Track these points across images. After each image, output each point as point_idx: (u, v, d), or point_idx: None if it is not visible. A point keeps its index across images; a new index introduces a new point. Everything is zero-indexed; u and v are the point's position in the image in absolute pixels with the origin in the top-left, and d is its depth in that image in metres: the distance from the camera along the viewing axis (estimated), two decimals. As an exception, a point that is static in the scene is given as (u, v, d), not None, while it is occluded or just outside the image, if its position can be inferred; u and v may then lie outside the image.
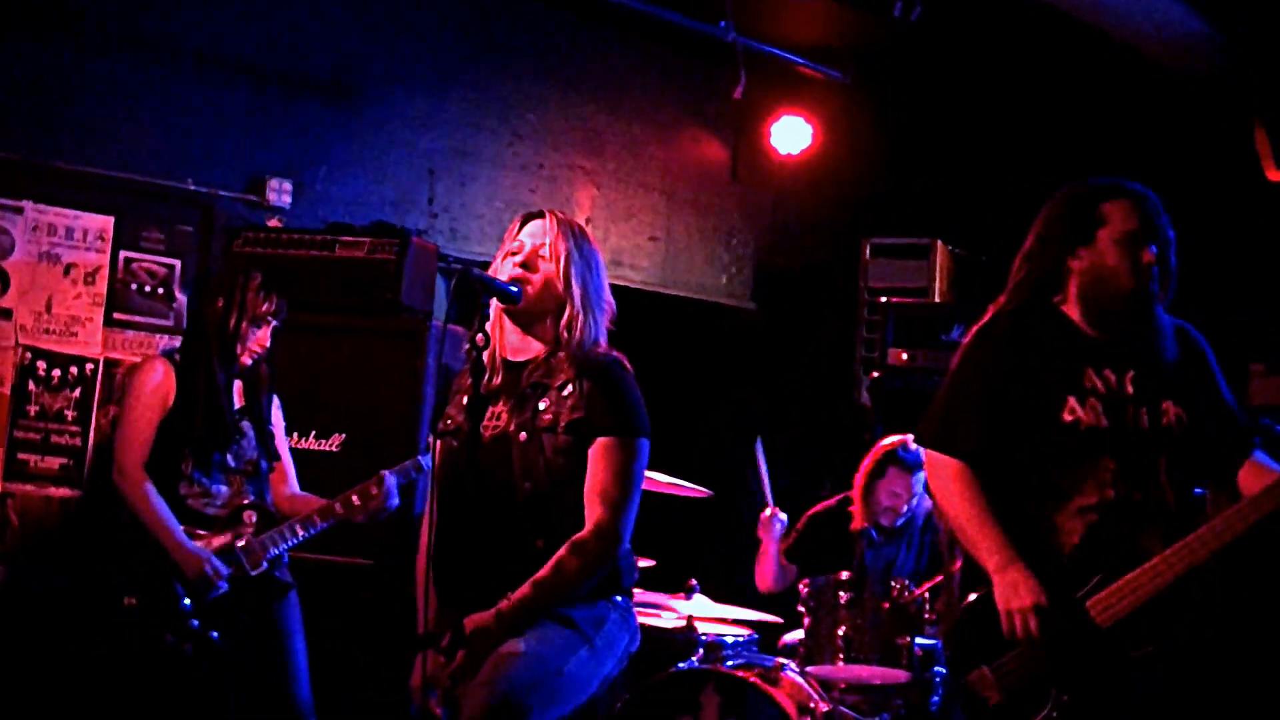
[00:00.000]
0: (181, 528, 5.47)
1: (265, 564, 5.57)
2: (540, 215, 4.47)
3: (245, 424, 5.70)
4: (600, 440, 4.29)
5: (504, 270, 4.38)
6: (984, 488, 4.33)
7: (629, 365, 4.43)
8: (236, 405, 5.71)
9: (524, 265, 4.35)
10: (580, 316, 4.36)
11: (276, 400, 5.91)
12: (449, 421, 4.47)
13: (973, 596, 4.38)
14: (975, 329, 4.51)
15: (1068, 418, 4.29)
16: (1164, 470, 4.33)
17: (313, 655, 5.79)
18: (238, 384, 5.74)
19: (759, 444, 7.14)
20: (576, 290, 4.36)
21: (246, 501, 5.63)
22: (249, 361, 5.67)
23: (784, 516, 6.98)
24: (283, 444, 5.93)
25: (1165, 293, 4.41)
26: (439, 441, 4.43)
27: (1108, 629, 4.16)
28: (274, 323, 5.69)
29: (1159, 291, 4.39)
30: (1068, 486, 4.30)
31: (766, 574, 7.06)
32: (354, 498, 5.56)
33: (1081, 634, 4.17)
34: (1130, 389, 4.33)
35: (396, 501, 5.60)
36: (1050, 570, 4.21)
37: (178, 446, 5.57)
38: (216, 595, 5.44)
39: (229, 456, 5.63)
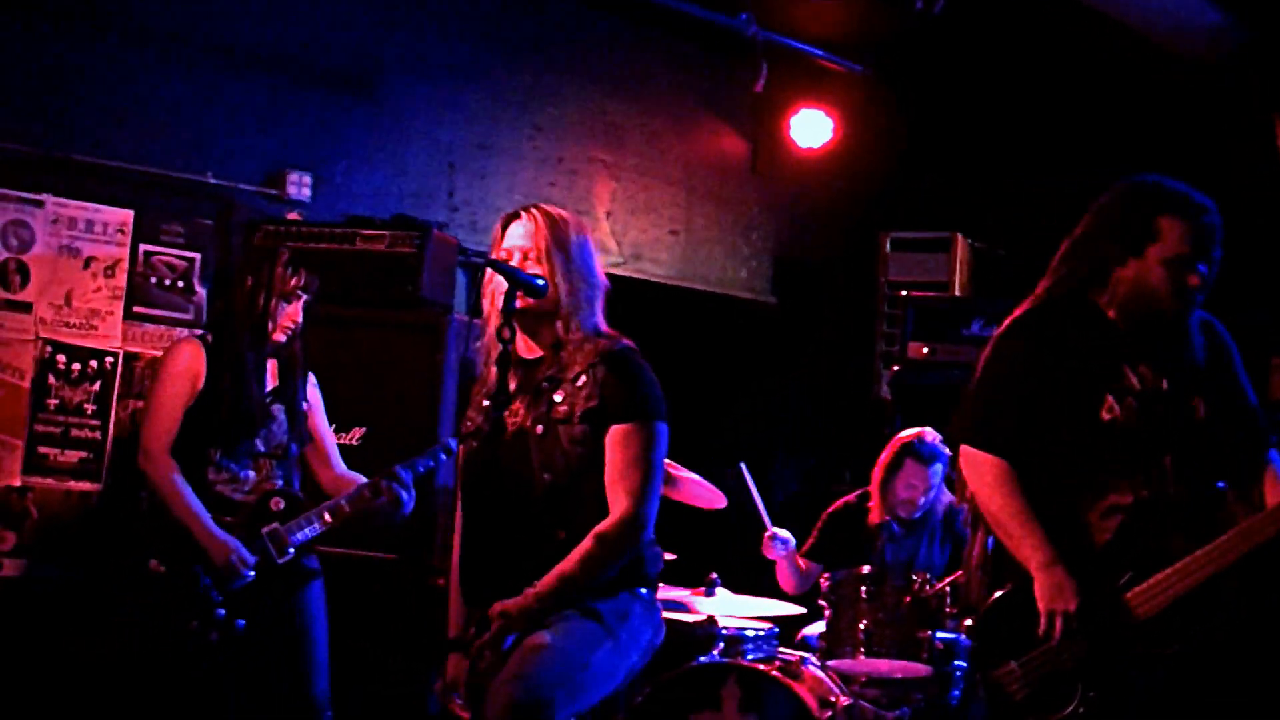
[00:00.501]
0: (209, 514, 5.43)
1: (291, 551, 5.54)
2: (517, 216, 4.48)
3: (276, 407, 5.67)
4: (617, 427, 4.30)
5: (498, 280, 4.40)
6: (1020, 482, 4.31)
7: (639, 352, 4.44)
8: (270, 386, 5.68)
9: None
10: (574, 317, 4.39)
11: (314, 380, 5.88)
12: (469, 424, 4.50)
13: (999, 592, 4.36)
14: (1010, 320, 4.47)
15: (1105, 416, 4.26)
16: (1192, 468, 4.31)
17: (333, 648, 5.79)
18: (272, 364, 5.71)
19: (743, 467, 7.10)
20: (564, 287, 4.37)
21: (273, 487, 5.58)
22: (283, 338, 5.63)
23: (786, 535, 6.93)
24: (322, 424, 5.88)
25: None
26: (462, 446, 4.45)
27: (1143, 623, 4.15)
28: (305, 297, 5.66)
29: (1195, 307, 4.36)
30: (1101, 484, 4.28)
31: (786, 582, 7.05)
32: (381, 484, 5.47)
33: (1118, 627, 4.16)
34: (1165, 386, 4.30)
35: (411, 498, 5.50)
36: (1082, 567, 4.19)
37: (206, 432, 5.53)
38: (242, 583, 5.42)
39: (258, 441, 5.61)
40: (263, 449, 5.62)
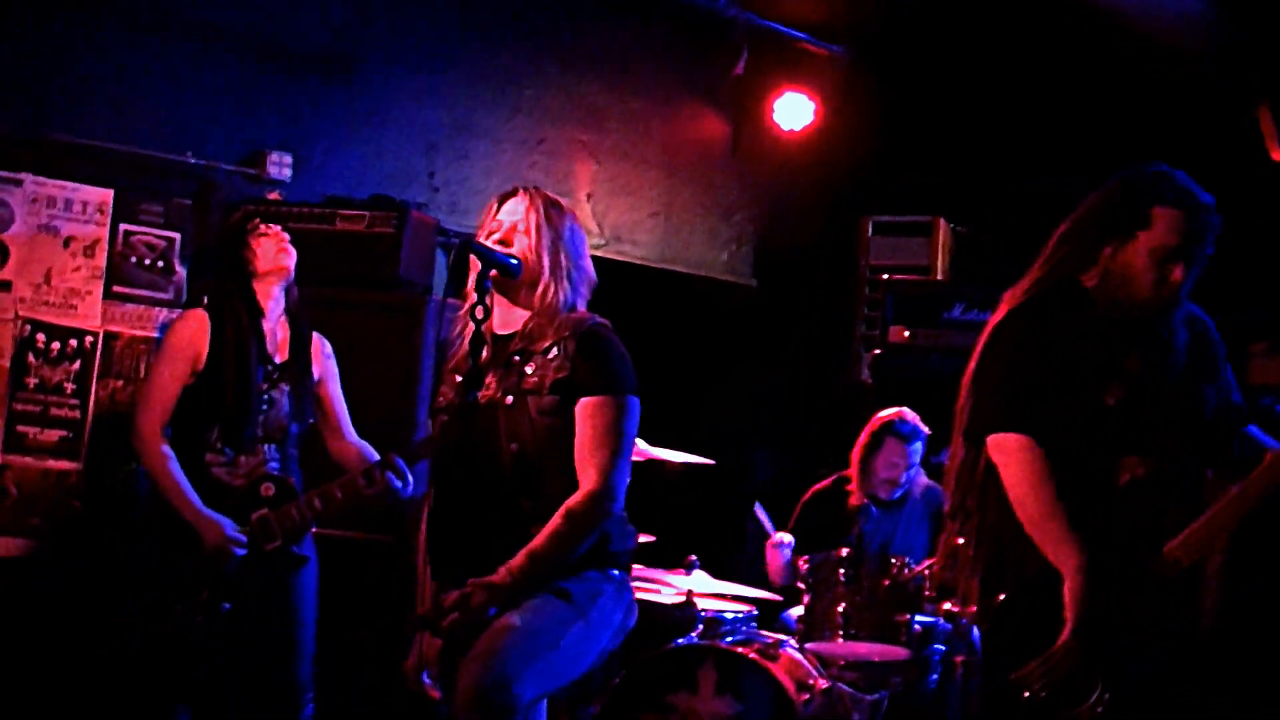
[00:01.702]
0: (198, 496, 5.40)
1: (280, 539, 5.51)
2: (514, 194, 4.52)
3: (282, 386, 5.64)
4: (587, 400, 4.30)
5: None
6: None
7: (612, 328, 4.45)
8: (278, 359, 5.66)
9: (501, 242, 4.41)
10: (552, 285, 4.40)
11: (329, 348, 5.88)
12: (441, 399, 4.50)
13: (1002, 596, 4.34)
14: (1009, 309, 4.41)
15: (1110, 401, 4.24)
16: (1182, 451, 4.31)
17: (327, 630, 5.80)
18: (284, 332, 5.70)
19: (759, 507, 7.12)
20: (547, 259, 4.40)
21: (267, 471, 5.55)
22: (284, 263, 5.64)
23: (790, 539, 6.91)
24: (335, 392, 5.87)
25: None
26: (434, 421, 4.46)
27: (1142, 604, 4.16)
28: (274, 229, 5.69)
29: (1175, 304, 4.34)
30: (1098, 469, 4.25)
31: (776, 574, 6.99)
32: (376, 472, 5.39)
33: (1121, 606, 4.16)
34: (1157, 372, 4.29)
35: (400, 485, 5.39)
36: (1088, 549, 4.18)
37: (206, 414, 5.51)
38: (231, 567, 5.40)
39: (257, 425, 5.55)
40: (261, 433, 5.58)
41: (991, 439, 4.31)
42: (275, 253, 5.64)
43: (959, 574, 4.55)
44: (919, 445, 6.94)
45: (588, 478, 4.25)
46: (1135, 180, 4.33)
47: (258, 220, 5.71)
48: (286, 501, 5.51)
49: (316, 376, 5.80)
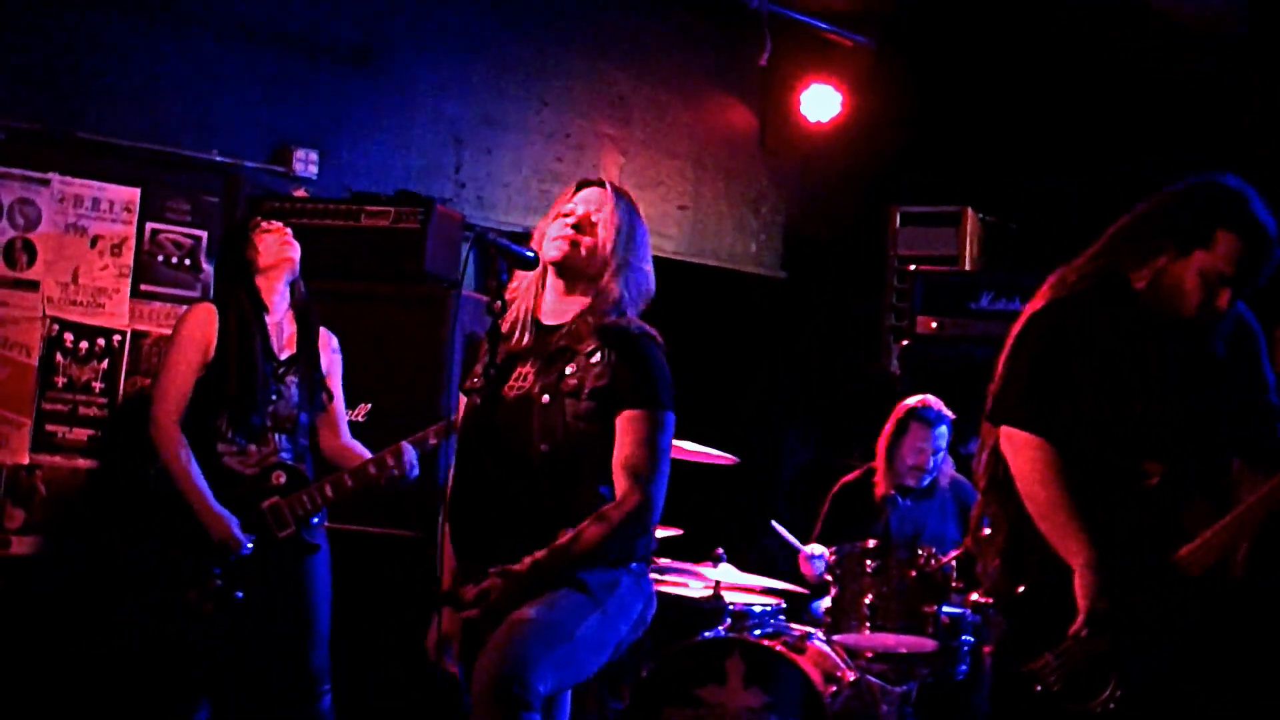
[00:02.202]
0: (210, 489, 5.44)
1: (292, 526, 5.55)
2: (600, 184, 4.49)
3: (290, 378, 5.67)
4: (626, 413, 4.25)
5: (554, 229, 4.39)
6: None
7: (660, 339, 4.39)
8: (285, 354, 5.69)
9: (575, 227, 4.37)
10: (613, 285, 4.36)
11: (335, 343, 5.91)
12: (475, 380, 4.44)
13: (1022, 587, 4.33)
14: (1051, 300, 4.37)
15: (1138, 408, 4.22)
16: (1210, 453, 4.28)
17: (352, 626, 5.82)
18: (290, 329, 5.74)
19: (775, 525, 7.10)
20: (615, 259, 4.36)
21: (278, 460, 5.59)
22: (288, 255, 5.69)
23: (821, 551, 6.84)
24: (335, 389, 5.90)
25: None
26: (464, 399, 4.44)
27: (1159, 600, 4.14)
28: (278, 225, 5.74)
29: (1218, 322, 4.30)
30: (1118, 471, 4.24)
31: (811, 579, 6.96)
32: (388, 458, 5.50)
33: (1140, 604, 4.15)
34: (1190, 381, 4.25)
35: (415, 472, 5.54)
36: (1105, 548, 4.16)
37: (216, 404, 5.55)
38: (239, 556, 5.44)
39: (266, 414, 5.59)
40: (270, 422, 5.62)
41: (1004, 430, 4.31)
42: (278, 247, 5.69)
43: (980, 555, 4.54)
44: (944, 430, 6.92)
45: (627, 489, 4.21)
46: (1206, 193, 4.26)
47: (259, 219, 5.78)
48: (297, 488, 5.57)
49: (324, 370, 5.83)
